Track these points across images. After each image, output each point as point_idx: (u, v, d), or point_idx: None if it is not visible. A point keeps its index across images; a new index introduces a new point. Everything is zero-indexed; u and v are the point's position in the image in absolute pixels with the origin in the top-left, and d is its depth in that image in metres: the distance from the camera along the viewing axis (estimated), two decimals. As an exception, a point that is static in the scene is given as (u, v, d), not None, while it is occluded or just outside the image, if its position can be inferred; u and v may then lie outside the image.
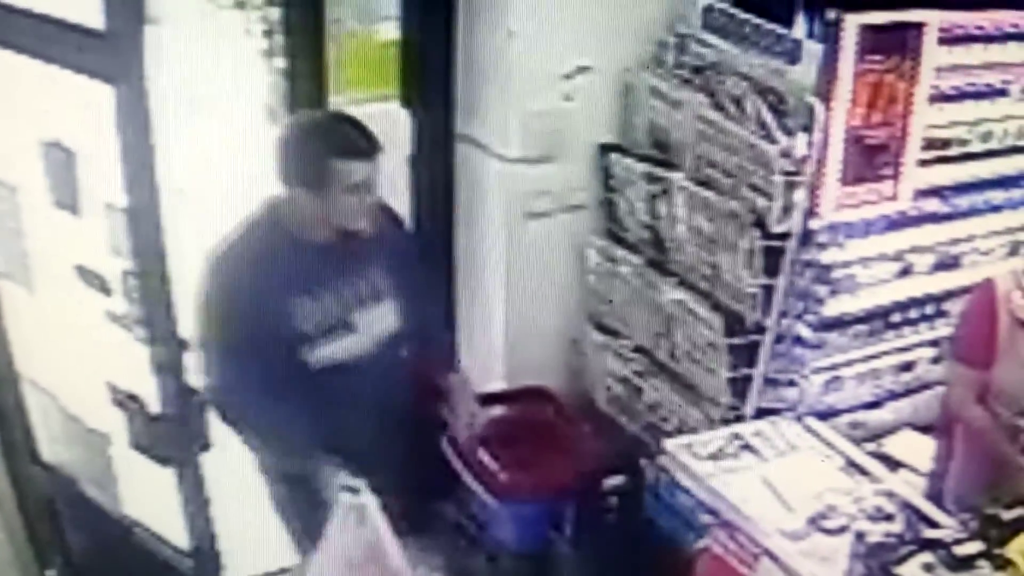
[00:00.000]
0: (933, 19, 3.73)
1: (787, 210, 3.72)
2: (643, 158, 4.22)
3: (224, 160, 4.00)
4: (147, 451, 4.07)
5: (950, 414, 3.84)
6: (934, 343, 4.20)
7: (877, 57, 3.67)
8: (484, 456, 3.97)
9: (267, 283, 3.30)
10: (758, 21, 3.89)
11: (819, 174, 3.71)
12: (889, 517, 3.43)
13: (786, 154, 3.69)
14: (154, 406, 3.96)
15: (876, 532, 3.28)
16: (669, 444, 3.77)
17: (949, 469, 3.85)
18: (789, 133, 3.71)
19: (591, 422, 4.35)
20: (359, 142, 3.30)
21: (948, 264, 4.14)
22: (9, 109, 3.92)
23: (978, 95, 3.99)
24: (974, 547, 3.17)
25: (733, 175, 3.85)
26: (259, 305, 3.28)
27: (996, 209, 4.18)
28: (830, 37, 3.63)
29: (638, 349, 4.38)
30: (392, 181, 3.85)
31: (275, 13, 4.01)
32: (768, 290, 3.81)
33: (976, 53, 3.91)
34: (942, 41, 3.78)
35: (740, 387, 3.95)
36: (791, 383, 3.96)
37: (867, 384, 4.16)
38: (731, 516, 3.46)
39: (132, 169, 3.59)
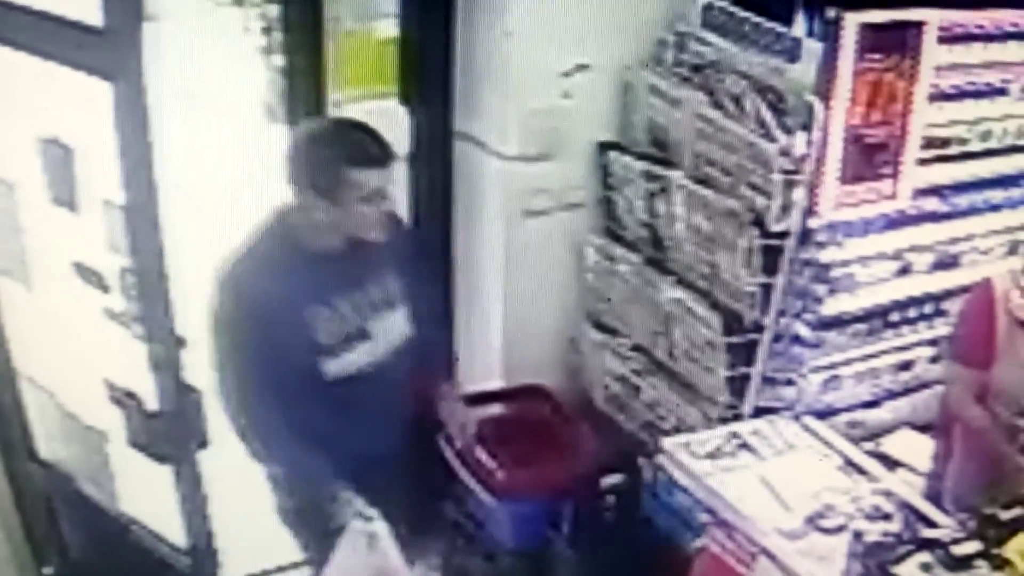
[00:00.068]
0: (933, 18, 3.72)
1: (786, 209, 3.71)
2: (642, 156, 4.22)
3: (222, 157, 4.00)
4: (145, 448, 4.07)
5: (949, 414, 3.84)
6: (933, 342, 4.20)
7: (877, 56, 3.67)
8: (482, 455, 3.97)
9: (284, 297, 3.22)
10: (758, 19, 3.89)
11: (818, 173, 3.71)
12: (887, 516, 3.43)
13: (785, 153, 3.68)
14: (152, 403, 3.96)
15: (874, 531, 3.28)
16: (667, 443, 3.77)
17: (947, 469, 3.85)
18: (788, 132, 3.70)
19: (589, 421, 4.35)
20: (373, 150, 3.24)
21: (947, 263, 4.14)
22: (7, 106, 3.92)
23: (978, 94, 3.99)
24: (972, 547, 3.17)
25: (732, 174, 3.85)
26: (277, 320, 3.20)
27: (995, 208, 4.17)
28: (830, 36, 3.62)
29: (636, 348, 4.38)
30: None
31: (274, 10, 4.01)
32: (767, 289, 3.80)
33: (976, 52, 3.91)
34: (942, 40, 3.77)
35: (738, 386, 3.94)
36: (789, 382, 3.95)
37: (865, 383, 4.16)
38: (729, 515, 3.46)
39: (130, 166, 3.58)
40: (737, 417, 3.95)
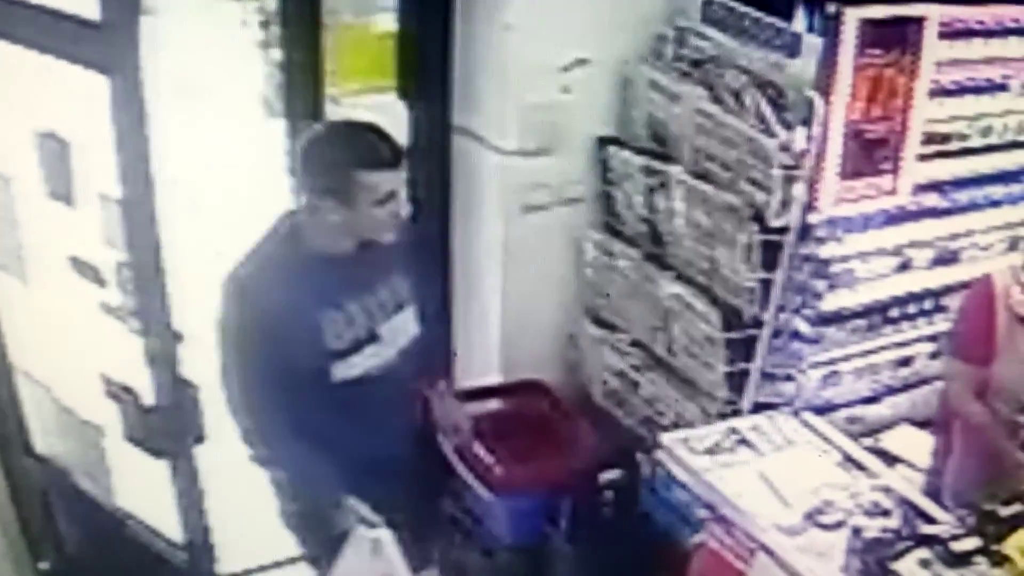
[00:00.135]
0: (933, 13, 3.71)
1: (786, 204, 3.70)
2: (641, 151, 4.21)
3: (220, 151, 3.99)
4: (141, 443, 4.07)
5: (948, 410, 3.84)
6: (932, 338, 4.19)
7: (877, 51, 3.66)
8: (480, 450, 3.96)
9: (295, 302, 3.18)
10: (758, 14, 3.87)
11: (818, 168, 3.70)
12: (886, 512, 3.42)
13: (785, 148, 3.67)
14: (148, 398, 3.95)
15: (873, 528, 3.28)
16: (665, 438, 3.77)
17: (947, 465, 3.85)
18: (788, 127, 3.69)
19: (588, 416, 4.35)
20: (384, 151, 3.20)
21: (947, 259, 4.13)
22: (4, 99, 3.92)
23: (978, 90, 3.97)
24: (971, 543, 3.16)
25: (732, 169, 3.84)
26: (289, 326, 3.16)
27: (995, 204, 4.16)
28: (830, 31, 3.61)
29: (635, 343, 4.37)
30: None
31: (271, 4, 4.00)
32: (766, 284, 3.80)
33: (976, 48, 3.89)
34: (942, 35, 3.76)
35: (737, 381, 3.94)
36: (788, 378, 3.95)
37: (865, 379, 4.15)
38: (727, 511, 3.45)
39: (127, 160, 3.58)
40: (736, 413, 3.94)
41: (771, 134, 3.70)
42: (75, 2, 3.45)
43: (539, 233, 4.39)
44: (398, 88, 4.28)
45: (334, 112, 4.07)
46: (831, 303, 3.92)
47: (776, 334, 3.88)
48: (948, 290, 4.13)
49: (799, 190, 3.70)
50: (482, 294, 4.50)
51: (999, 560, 3.10)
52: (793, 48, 3.75)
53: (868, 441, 4.04)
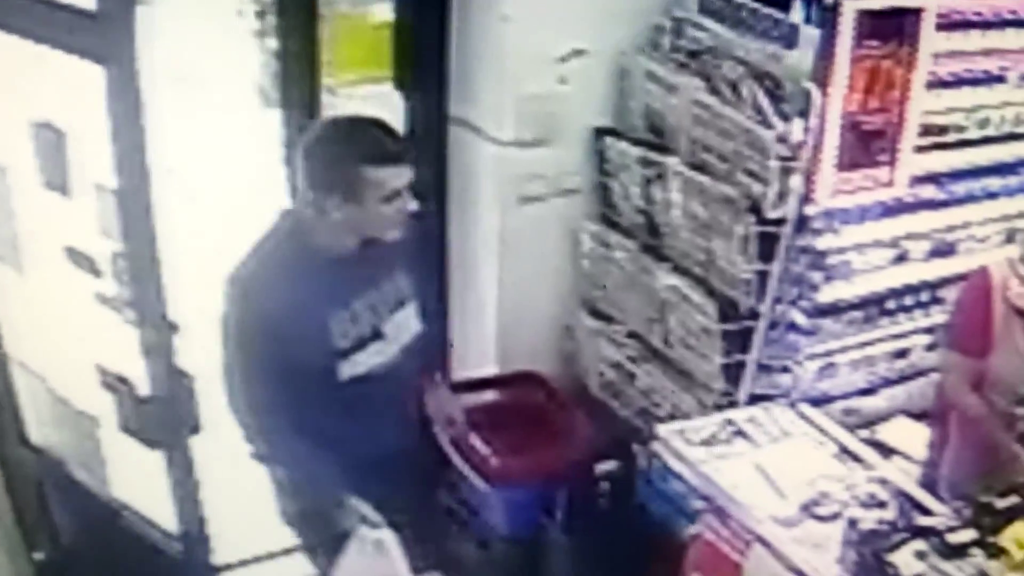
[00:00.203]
0: (931, 5, 3.70)
1: (782, 196, 3.70)
2: (638, 142, 4.20)
3: (215, 141, 3.98)
4: (136, 434, 4.06)
5: (945, 402, 3.85)
6: (929, 330, 4.19)
7: (874, 43, 3.65)
8: (476, 441, 3.96)
9: (301, 301, 3.15)
10: (755, 5, 3.87)
11: (815, 160, 3.69)
12: (882, 504, 3.42)
13: (782, 139, 3.67)
14: (143, 388, 3.94)
15: (869, 519, 3.27)
16: (662, 430, 3.76)
17: (943, 457, 3.85)
18: (785, 118, 3.69)
19: (584, 407, 4.35)
20: (390, 147, 3.17)
21: (944, 251, 4.13)
22: (-1, 89, 3.90)
23: (975, 81, 3.97)
24: (967, 535, 3.16)
25: (728, 160, 3.84)
26: (294, 325, 3.12)
27: (992, 196, 4.16)
28: (827, 22, 3.61)
29: (631, 334, 4.37)
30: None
31: (268, -7, 3.99)
32: (763, 276, 3.79)
33: (974, 39, 3.89)
34: (940, 27, 3.75)
35: (733, 373, 3.94)
36: (785, 369, 3.95)
37: (861, 371, 4.15)
38: (723, 502, 3.46)
39: (123, 150, 3.56)
40: (732, 404, 3.94)
41: (768, 125, 3.70)
42: (71, -8, 3.45)
43: (536, 224, 4.38)
44: (394, 78, 4.28)
45: (330, 102, 4.06)
46: (828, 295, 3.92)
47: (772, 326, 3.87)
48: (945, 282, 4.13)
49: (796, 181, 3.69)
50: (478, 285, 4.50)
51: (995, 552, 3.10)
52: (790, 39, 3.74)
53: (864, 433, 4.04)
